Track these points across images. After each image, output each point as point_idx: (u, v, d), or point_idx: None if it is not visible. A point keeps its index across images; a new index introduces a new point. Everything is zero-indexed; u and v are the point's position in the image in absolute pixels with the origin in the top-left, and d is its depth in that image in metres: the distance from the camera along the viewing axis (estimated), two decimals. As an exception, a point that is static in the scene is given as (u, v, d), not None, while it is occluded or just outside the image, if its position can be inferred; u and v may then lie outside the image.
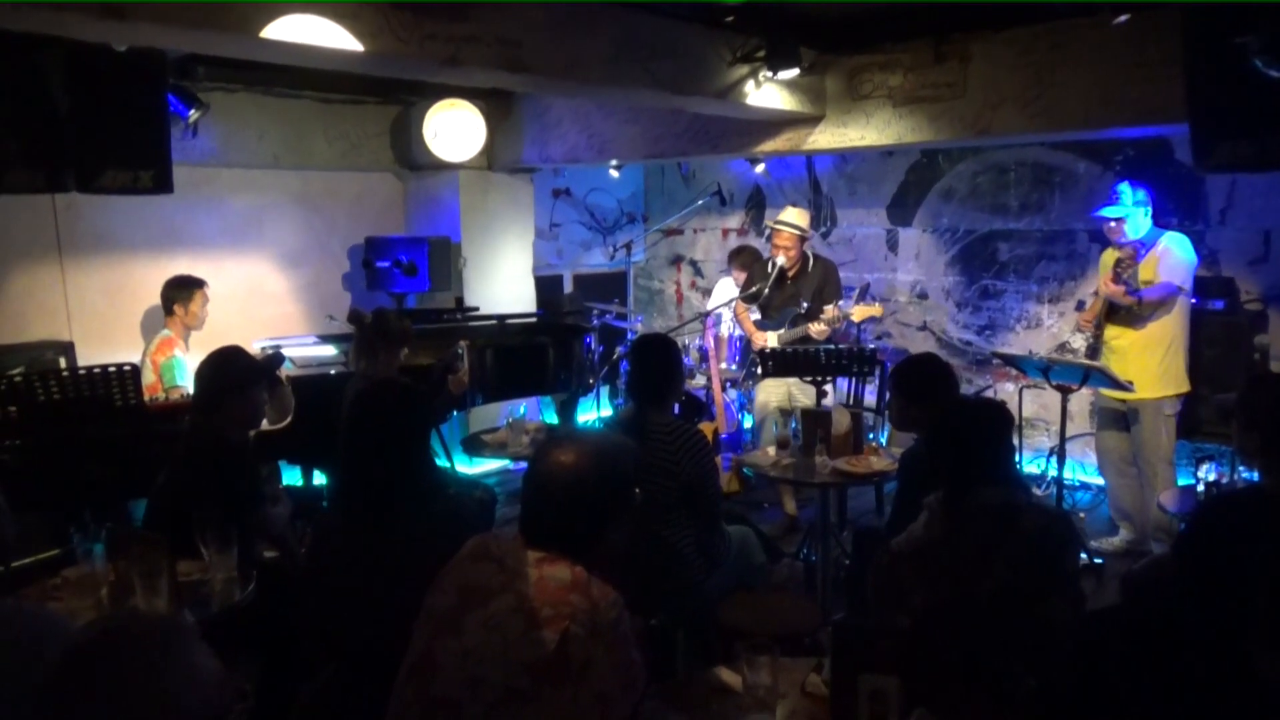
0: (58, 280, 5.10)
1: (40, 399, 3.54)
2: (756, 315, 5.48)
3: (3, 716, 1.44)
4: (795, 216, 5.24)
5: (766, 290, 5.38)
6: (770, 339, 5.23)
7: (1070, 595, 2.20)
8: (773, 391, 5.20)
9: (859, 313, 5.07)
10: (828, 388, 4.85)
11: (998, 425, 2.38)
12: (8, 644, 1.49)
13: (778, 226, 5.24)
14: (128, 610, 1.30)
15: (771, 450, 4.20)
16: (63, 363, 4.83)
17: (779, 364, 4.78)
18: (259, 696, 2.20)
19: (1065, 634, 2.03)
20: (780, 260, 5.31)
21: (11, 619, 1.54)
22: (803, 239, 5.23)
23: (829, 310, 5.07)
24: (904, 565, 2.26)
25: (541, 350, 5.46)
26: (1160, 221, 4.61)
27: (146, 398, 4.15)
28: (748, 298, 5.48)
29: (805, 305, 5.19)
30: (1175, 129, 4.25)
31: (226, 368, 3.11)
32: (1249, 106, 3.28)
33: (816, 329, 5.05)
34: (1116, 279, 4.35)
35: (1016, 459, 2.48)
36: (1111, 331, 4.57)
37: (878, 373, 5.38)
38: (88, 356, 4.86)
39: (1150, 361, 4.43)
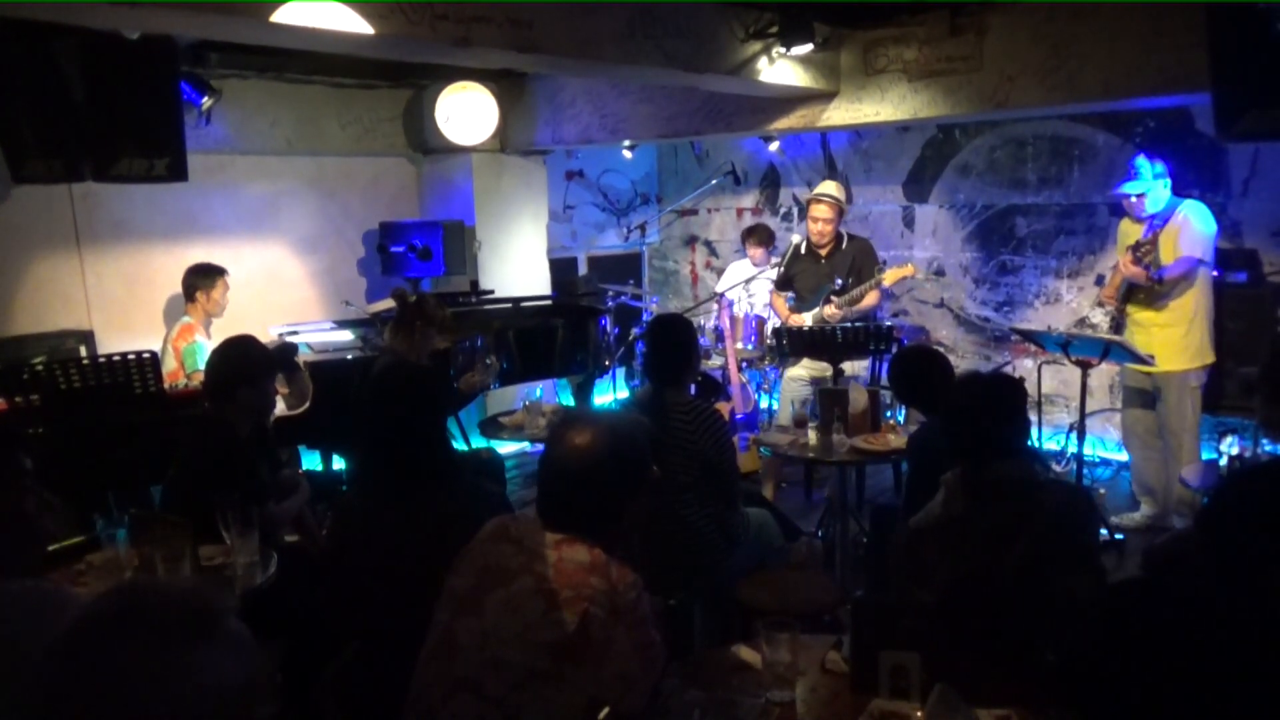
0: (77, 269, 5.14)
1: (62, 387, 3.56)
2: (791, 299, 5.47)
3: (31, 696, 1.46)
4: (833, 188, 5.23)
5: (783, 266, 5.37)
6: (806, 319, 5.20)
7: (1091, 570, 2.18)
8: (797, 375, 5.20)
9: (890, 276, 5.05)
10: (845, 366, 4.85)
11: (1012, 399, 2.35)
12: (31, 624, 1.51)
13: (816, 197, 5.22)
14: (155, 581, 1.02)
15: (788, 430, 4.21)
16: (83, 351, 4.88)
17: (796, 343, 4.76)
18: (282, 677, 2.23)
19: (1086, 608, 2.02)
20: (795, 239, 5.33)
21: (35, 601, 1.56)
22: (840, 212, 5.21)
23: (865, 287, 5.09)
24: (924, 542, 2.25)
25: (557, 332, 5.46)
26: (1181, 193, 4.55)
27: (168, 384, 4.18)
28: (777, 283, 5.48)
29: (839, 283, 5.17)
30: (1197, 99, 4.18)
31: (237, 359, 3.11)
32: (1274, 74, 3.22)
33: (865, 301, 5.09)
34: (1137, 261, 4.29)
35: (1031, 433, 2.45)
36: (1134, 306, 4.52)
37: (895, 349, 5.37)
38: (108, 344, 4.92)
39: (1174, 335, 4.39)
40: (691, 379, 3.46)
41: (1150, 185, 4.37)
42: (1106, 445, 5.78)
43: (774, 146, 6.79)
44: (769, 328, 5.69)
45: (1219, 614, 1.52)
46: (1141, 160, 4.42)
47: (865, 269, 5.19)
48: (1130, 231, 4.58)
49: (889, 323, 5.80)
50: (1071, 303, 5.95)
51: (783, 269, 5.45)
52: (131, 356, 3.69)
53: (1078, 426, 4.63)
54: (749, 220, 7.30)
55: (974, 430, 2.28)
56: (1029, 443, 2.36)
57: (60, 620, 1.49)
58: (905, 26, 4.69)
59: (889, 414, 4.22)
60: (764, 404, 6.09)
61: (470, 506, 2.30)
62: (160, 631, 1.00)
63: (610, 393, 6.25)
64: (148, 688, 0.97)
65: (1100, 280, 5.67)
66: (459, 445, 4.87)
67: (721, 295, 5.99)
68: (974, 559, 2.14)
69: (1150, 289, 4.37)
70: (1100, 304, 5.30)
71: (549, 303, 6.16)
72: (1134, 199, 4.43)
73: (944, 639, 1.91)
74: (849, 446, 3.87)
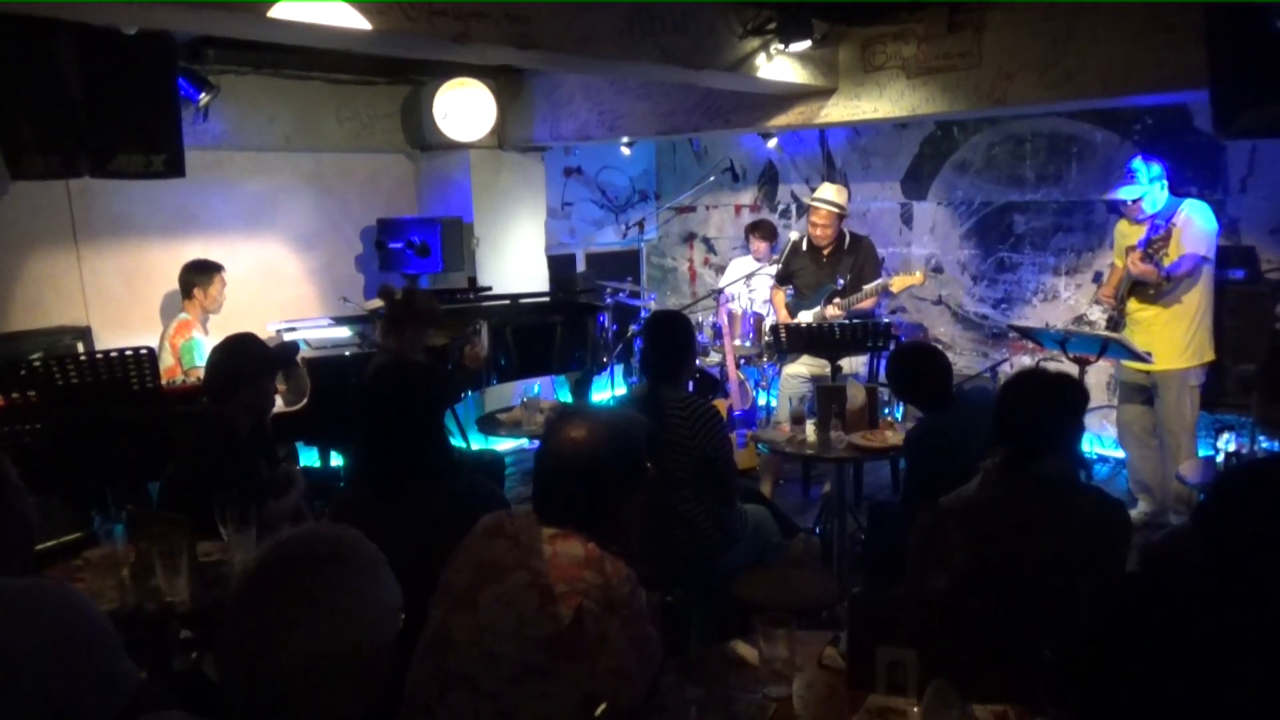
0: (74, 265, 5.13)
1: (59, 383, 3.56)
2: (790, 295, 5.47)
3: (33, 689, 1.46)
4: (833, 193, 5.18)
5: (781, 263, 5.37)
6: (805, 318, 5.19)
7: (1108, 581, 2.17)
8: (796, 371, 5.20)
9: (898, 283, 5.04)
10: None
11: (1069, 400, 2.35)
12: (34, 619, 1.50)
13: (814, 203, 5.18)
14: (335, 529, 1.47)
15: (786, 426, 4.21)
16: (80, 347, 4.87)
17: (795, 340, 4.76)
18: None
19: (1084, 606, 2.02)
20: (793, 237, 5.34)
21: (36, 597, 1.55)
22: (841, 217, 5.18)
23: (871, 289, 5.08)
24: (951, 523, 2.25)
25: (555, 329, 5.46)
26: (1180, 190, 4.55)
27: (165, 380, 4.17)
28: (777, 278, 5.47)
29: (841, 283, 5.15)
30: (1195, 96, 4.18)
31: (240, 358, 3.10)
32: (1272, 72, 3.22)
33: (865, 301, 5.07)
34: (1147, 259, 4.30)
35: (1083, 440, 2.44)
36: (1134, 304, 4.53)
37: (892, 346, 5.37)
38: (105, 341, 4.90)
39: (1176, 334, 4.40)
40: (689, 376, 3.46)
41: (1147, 189, 4.38)
42: (1104, 442, 5.79)
43: (772, 143, 6.78)
44: (767, 324, 5.69)
45: (1216, 610, 1.52)
46: (1138, 163, 4.42)
47: (868, 270, 5.17)
48: (1128, 232, 4.58)
49: (887, 320, 5.81)
50: (1069, 300, 5.96)
51: (782, 265, 5.45)
52: (129, 353, 3.69)
53: (1075, 423, 4.63)
54: (747, 217, 7.30)
55: (1025, 422, 2.28)
56: (1078, 448, 2.36)
57: (60, 619, 1.49)
58: (903, 23, 4.69)
59: (887, 411, 4.23)
60: (762, 401, 6.10)
61: (467, 503, 2.30)
62: (368, 560, 1.36)
63: (608, 389, 6.26)
64: (363, 606, 1.30)
65: (1098, 277, 5.67)
66: (457, 442, 4.87)
67: (721, 292, 5.99)
68: (995, 549, 2.13)
69: (1158, 286, 4.37)
70: (1098, 302, 5.31)
71: (547, 299, 6.16)
72: (1129, 204, 4.44)
73: (945, 631, 1.91)
74: (847, 443, 3.87)
